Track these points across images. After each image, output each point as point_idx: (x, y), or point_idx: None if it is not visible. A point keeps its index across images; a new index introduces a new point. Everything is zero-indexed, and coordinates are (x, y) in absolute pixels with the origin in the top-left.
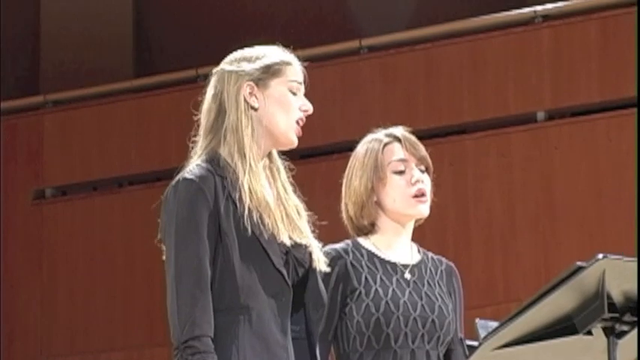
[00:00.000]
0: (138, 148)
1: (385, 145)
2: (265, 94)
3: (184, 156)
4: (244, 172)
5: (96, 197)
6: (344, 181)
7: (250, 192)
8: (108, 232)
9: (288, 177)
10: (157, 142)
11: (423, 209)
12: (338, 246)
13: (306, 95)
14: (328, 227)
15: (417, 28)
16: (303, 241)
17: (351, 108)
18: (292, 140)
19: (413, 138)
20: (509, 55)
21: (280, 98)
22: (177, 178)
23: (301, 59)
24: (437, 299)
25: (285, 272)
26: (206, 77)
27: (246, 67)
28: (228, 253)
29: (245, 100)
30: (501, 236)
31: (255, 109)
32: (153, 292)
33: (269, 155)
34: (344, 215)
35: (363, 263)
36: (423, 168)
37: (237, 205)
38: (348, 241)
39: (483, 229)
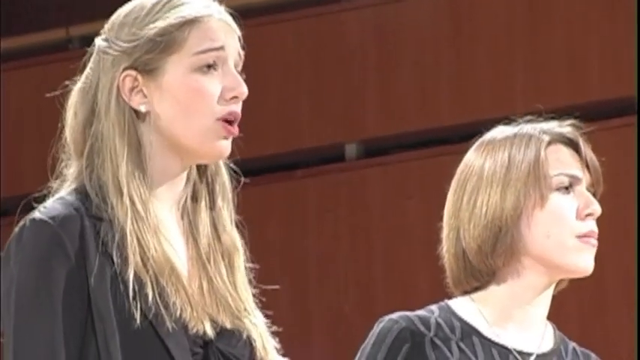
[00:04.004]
0: None
1: (548, 144)
2: (157, 85)
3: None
4: (125, 216)
5: None
6: (453, 203)
7: (142, 249)
8: None
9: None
10: (7, 152)
11: (590, 262)
12: (412, 314)
13: (256, 74)
14: (291, 281)
15: None
16: (237, 324)
17: (330, 91)
18: (216, 152)
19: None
20: None
21: (180, 91)
22: (24, 219)
23: (250, 10)
24: None
25: None
26: (83, 42)
27: (126, 39)
28: (103, 347)
29: (123, 100)
30: None
31: (144, 114)
32: None
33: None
34: (450, 255)
35: (454, 344)
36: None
37: (119, 267)
38: (433, 307)
39: None
